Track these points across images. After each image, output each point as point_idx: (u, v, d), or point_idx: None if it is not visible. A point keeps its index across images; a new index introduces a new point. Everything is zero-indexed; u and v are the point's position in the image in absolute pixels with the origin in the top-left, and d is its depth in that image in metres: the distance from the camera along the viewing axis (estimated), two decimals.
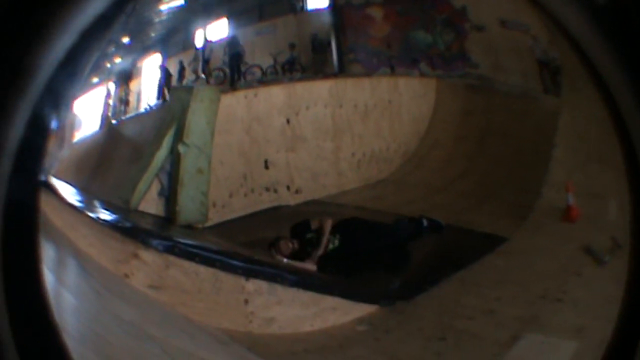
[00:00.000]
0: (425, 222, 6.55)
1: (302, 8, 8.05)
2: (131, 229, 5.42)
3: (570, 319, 4.86)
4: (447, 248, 6.41)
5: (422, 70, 7.92)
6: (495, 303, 5.29)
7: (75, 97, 1.76)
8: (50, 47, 1.60)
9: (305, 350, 5.16)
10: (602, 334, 1.97)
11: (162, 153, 6.39)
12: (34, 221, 1.78)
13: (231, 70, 7.52)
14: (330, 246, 6.32)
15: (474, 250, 5.94)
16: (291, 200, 7.24)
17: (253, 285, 5.23)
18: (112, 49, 6.77)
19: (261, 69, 7.64)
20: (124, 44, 7.02)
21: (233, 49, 7.55)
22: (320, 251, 6.23)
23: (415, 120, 7.87)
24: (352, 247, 6.37)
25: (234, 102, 6.99)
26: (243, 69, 7.56)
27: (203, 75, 7.40)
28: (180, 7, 7.61)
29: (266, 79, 7.59)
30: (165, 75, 7.41)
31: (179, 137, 6.40)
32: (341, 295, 5.51)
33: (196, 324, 4.98)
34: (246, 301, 5.20)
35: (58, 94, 1.67)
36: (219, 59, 7.52)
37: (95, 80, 6.71)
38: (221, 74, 7.57)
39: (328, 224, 6.38)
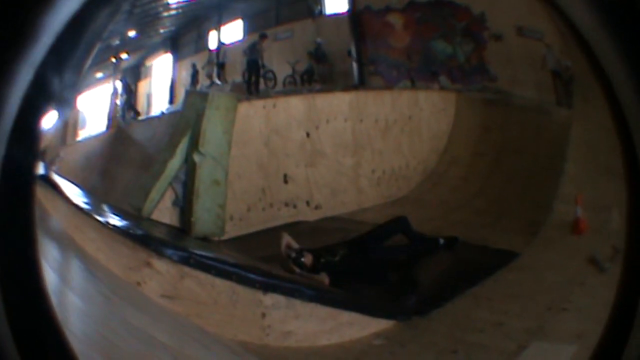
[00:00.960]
0: (441, 241, 6.57)
1: (321, 12, 8.01)
2: (143, 237, 5.40)
3: (573, 326, 4.88)
4: (461, 265, 6.42)
5: (442, 83, 7.90)
6: (504, 316, 5.31)
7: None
8: (56, 9, 1.62)
9: None
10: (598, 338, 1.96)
11: (175, 161, 6.31)
12: (32, 183, 1.78)
13: (248, 76, 7.50)
14: (341, 252, 6.31)
15: (488, 266, 5.97)
16: (310, 216, 7.21)
17: (271, 299, 5.20)
18: (116, 41, 6.75)
19: (274, 74, 7.60)
20: (129, 38, 7.00)
21: (251, 55, 7.52)
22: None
23: (435, 137, 7.85)
24: (361, 256, 6.37)
25: (252, 113, 6.95)
26: (262, 72, 7.53)
27: (218, 81, 7.36)
28: (189, 2, 7.59)
29: (285, 88, 7.57)
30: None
31: (193, 145, 6.31)
32: (359, 310, 5.49)
33: (211, 335, 4.98)
34: (263, 315, 5.18)
35: (62, 58, 1.67)
36: (235, 62, 7.51)
37: (99, 75, 6.71)
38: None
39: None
